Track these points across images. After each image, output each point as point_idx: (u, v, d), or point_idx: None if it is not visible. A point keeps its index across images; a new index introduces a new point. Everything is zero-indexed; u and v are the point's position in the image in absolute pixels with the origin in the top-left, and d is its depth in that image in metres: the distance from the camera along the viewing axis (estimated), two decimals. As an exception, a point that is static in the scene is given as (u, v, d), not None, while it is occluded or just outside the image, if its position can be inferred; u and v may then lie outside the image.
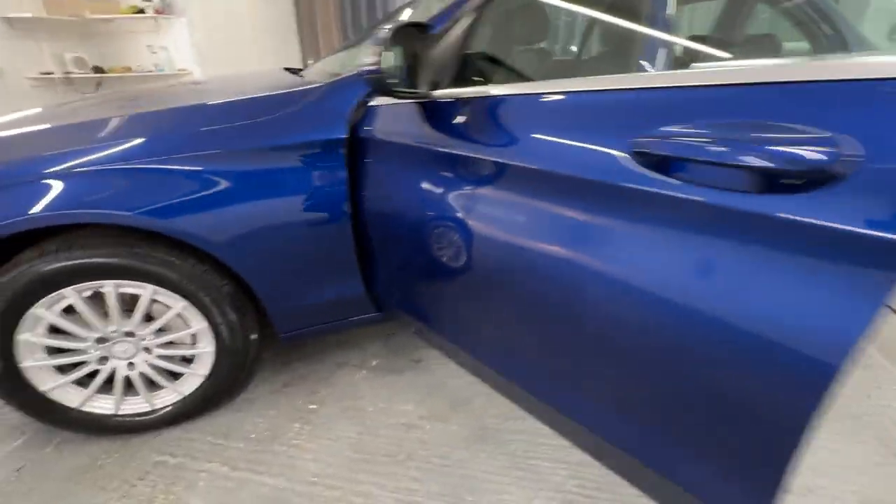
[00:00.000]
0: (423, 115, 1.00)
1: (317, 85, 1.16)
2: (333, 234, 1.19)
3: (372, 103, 1.13)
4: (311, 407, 1.36)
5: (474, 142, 0.89)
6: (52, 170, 0.97)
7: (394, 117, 1.08)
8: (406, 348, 1.62)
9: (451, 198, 0.94)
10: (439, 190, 0.97)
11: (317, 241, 1.18)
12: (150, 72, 4.58)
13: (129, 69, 4.61)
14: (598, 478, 1.10)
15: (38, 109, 1.48)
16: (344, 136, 1.12)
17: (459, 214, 0.93)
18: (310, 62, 5.27)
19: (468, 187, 0.92)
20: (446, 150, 0.93)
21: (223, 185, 1.07)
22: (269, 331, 1.28)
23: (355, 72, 0.99)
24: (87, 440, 1.23)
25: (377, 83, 0.94)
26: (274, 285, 1.20)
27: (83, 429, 1.21)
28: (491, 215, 0.89)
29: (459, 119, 0.92)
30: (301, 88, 1.17)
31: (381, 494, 1.09)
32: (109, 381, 1.18)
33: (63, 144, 1.02)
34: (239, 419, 1.31)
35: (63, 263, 1.00)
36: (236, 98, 1.17)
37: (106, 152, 1.01)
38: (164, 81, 4.66)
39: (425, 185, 1.00)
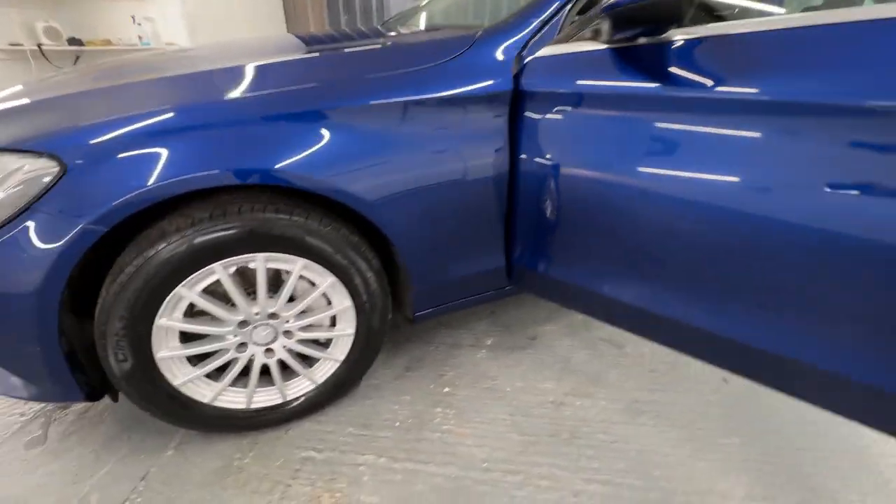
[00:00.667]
0: (656, 59, 0.86)
1: (474, 33, 1.04)
2: (490, 198, 1.09)
3: (539, 54, 1.02)
4: (445, 390, 1.26)
5: (730, 83, 0.79)
6: (221, 118, 0.82)
7: (591, 66, 0.95)
8: (516, 325, 1.54)
9: (675, 149, 0.85)
10: (658, 143, 0.88)
11: (471, 207, 1.08)
12: (134, 45, 4.18)
13: (108, 42, 4.18)
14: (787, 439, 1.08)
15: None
16: (510, 89, 1.01)
17: (685, 168, 0.84)
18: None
19: (704, 136, 0.83)
20: (695, 96, 0.82)
21: (385, 141, 0.94)
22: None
23: (605, 3, 0.85)
24: (207, 440, 1.08)
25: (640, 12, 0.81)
26: (424, 256, 1.09)
27: (214, 426, 1.06)
28: (731, 164, 0.80)
29: (709, 60, 0.82)
30: (460, 35, 1.04)
31: (564, 476, 1.01)
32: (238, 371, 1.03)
33: (229, 92, 0.86)
34: (372, 407, 1.19)
35: (218, 234, 0.85)
36: (389, 45, 1.04)
37: (272, 103, 0.86)
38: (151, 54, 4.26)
39: (637, 139, 0.90)
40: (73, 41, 3.98)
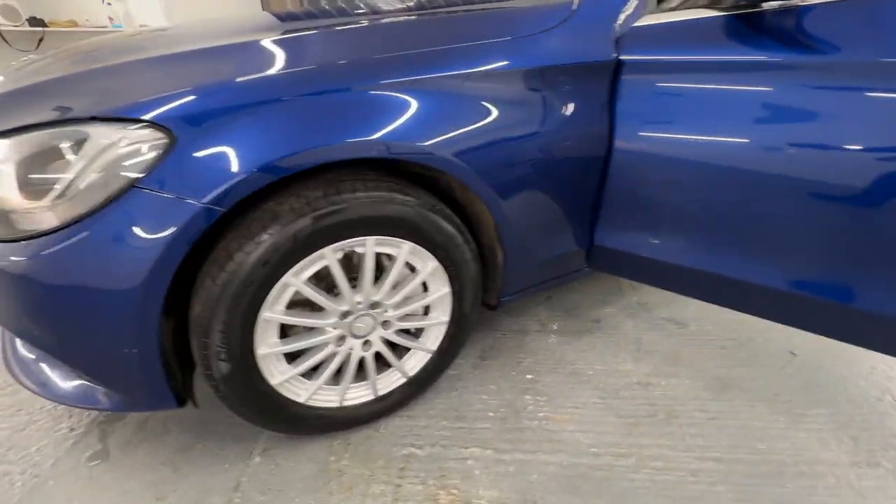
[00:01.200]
0: (786, 24, 0.83)
1: (567, 4, 0.99)
2: (587, 173, 1.04)
3: (641, 22, 0.98)
4: (528, 377, 1.21)
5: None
6: (340, 85, 0.73)
7: (707, 33, 0.91)
8: (577, 309, 1.51)
9: (796, 120, 0.84)
10: (777, 113, 0.86)
11: (568, 184, 1.03)
12: (104, 27, 3.85)
13: (74, 23, 3.83)
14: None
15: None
16: (613, 59, 0.97)
17: (804, 142, 0.83)
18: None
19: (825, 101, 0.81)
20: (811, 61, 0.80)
21: (493, 111, 0.88)
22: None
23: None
24: (293, 444, 1.00)
25: None
26: (521, 238, 1.03)
27: (306, 428, 0.97)
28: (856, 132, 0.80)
29: (845, 23, 0.80)
30: (556, 3, 0.98)
31: (676, 455, 1.00)
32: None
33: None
34: (459, 399, 1.14)
35: (333, 215, 0.76)
36: (484, 12, 0.97)
37: (391, 69, 0.79)
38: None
39: (751, 110, 0.87)
40: (34, 21, 3.62)
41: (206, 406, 0.97)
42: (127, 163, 0.64)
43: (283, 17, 1.20)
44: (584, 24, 0.96)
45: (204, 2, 4.53)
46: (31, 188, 0.65)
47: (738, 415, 1.11)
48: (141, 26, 3.95)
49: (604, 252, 1.16)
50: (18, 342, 0.88)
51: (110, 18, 3.82)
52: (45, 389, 0.83)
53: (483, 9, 1.03)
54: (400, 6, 1.24)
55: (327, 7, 1.37)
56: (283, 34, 0.87)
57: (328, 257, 0.80)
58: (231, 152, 0.66)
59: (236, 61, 0.78)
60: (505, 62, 0.88)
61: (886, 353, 0.87)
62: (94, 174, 0.64)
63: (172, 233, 0.65)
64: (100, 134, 0.64)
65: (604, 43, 0.96)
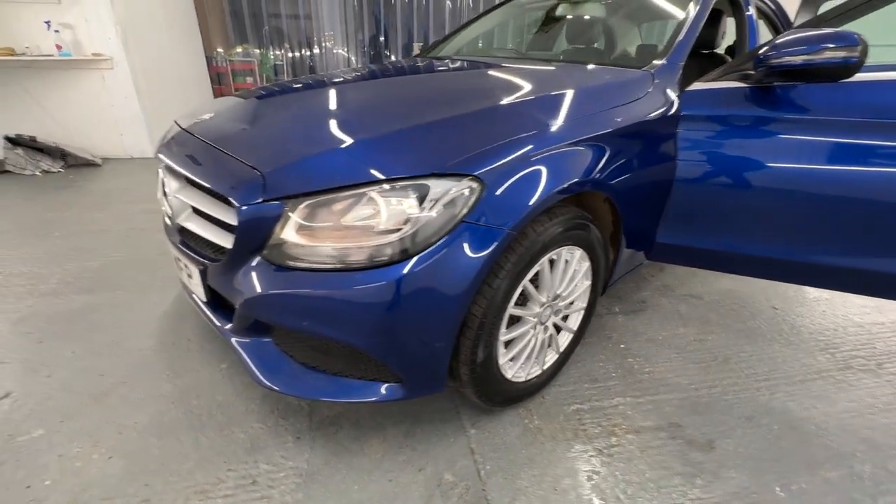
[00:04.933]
0: (790, 95, 1.33)
1: (649, 71, 1.42)
2: (662, 193, 1.47)
3: (692, 87, 1.44)
4: (621, 347, 1.60)
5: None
6: (570, 140, 1.07)
7: (737, 97, 1.39)
8: (624, 295, 1.95)
9: (795, 152, 1.34)
10: (785, 147, 1.35)
11: (654, 201, 1.45)
12: (49, 55, 3.55)
13: (10, 51, 3.48)
14: None
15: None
16: (678, 113, 1.41)
17: (798, 162, 1.34)
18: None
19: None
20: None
21: (625, 152, 1.26)
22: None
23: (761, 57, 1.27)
24: (489, 416, 1.26)
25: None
26: (629, 241, 1.42)
27: (508, 401, 1.24)
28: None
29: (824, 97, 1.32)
30: (641, 74, 1.40)
31: (743, 381, 1.45)
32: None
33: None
34: (583, 367, 1.48)
35: (559, 229, 1.08)
36: (599, 83, 1.35)
37: (583, 127, 1.14)
38: (75, 68, 3.63)
39: (766, 145, 1.36)
40: (-38, 50, 3.22)
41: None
42: (458, 206, 0.90)
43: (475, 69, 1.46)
44: (663, 89, 1.40)
45: (157, 30, 4.35)
46: (389, 227, 0.88)
47: (766, 350, 1.61)
48: (94, 54, 3.70)
49: (665, 247, 1.60)
50: (287, 358, 1.04)
51: (58, 46, 3.53)
52: (322, 393, 1.02)
53: (598, 83, 1.40)
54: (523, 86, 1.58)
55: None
56: (517, 98, 1.19)
57: (544, 262, 1.11)
58: (520, 191, 0.96)
59: (506, 122, 1.08)
60: (629, 119, 1.27)
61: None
62: (436, 214, 0.89)
63: (489, 251, 0.92)
64: (437, 185, 0.89)
65: (673, 102, 1.41)
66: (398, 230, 0.88)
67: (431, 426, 1.22)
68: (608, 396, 1.36)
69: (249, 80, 6.42)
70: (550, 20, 2.25)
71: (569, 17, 2.15)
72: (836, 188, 1.27)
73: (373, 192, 0.88)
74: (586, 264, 1.28)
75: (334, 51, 6.48)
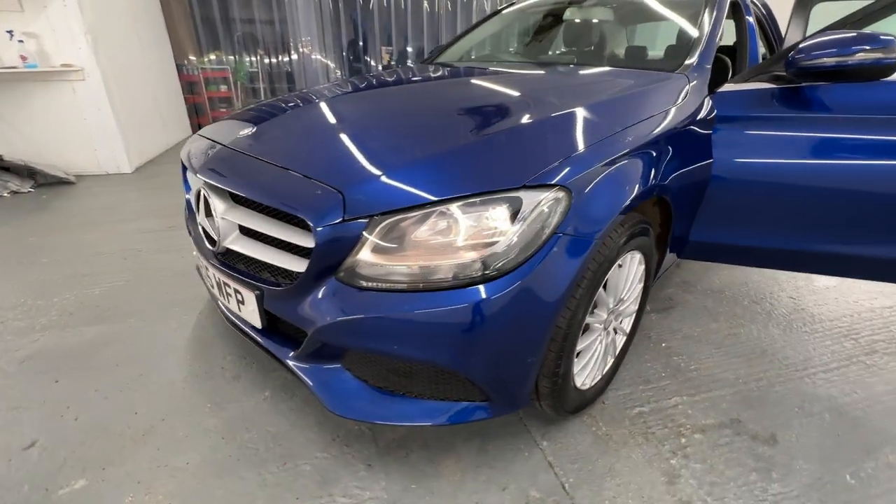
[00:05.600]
0: (817, 95, 1.39)
1: (685, 78, 1.44)
2: (700, 192, 1.50)
3: (723, 89, 1.48)
4: (663, 345, 1.62)
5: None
6: (636, 149, 1.07)
7: (768, 97, 1.43)
8: (651, 293, 1.97)
9: (824, 149, 1.40)
10: (815, 145, 1.41)
11: (695, 201, 1.47)
12: (13, 67, 3.29)
13: (-33, 63, 3.20)
14: None
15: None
16: (714, 114, 1.44)
17: (827, 158, 1.40)
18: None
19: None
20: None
21: (671, 154, 1.27)
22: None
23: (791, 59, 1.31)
24: (556, 426, 1.24)
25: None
26: (675, 243, 1.44)
27: (573, 410, 1.22)
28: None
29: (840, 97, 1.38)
30: (676, 80, 1.42)
31: (785, 372, 1.49)
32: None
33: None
34: (633, 370, 1.49)
35: (630, 237, 1.08)
36: (634, 91, 1.36)
37: (636, 137, 1.15)
38: (42, 80, 3.37)
39: (796, 143, 1.41)
40: (-85, 62, 2.94)
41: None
42: (549, 217, 0.88)
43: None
44: (698, 90, 1.43)
45: (127, 39, 4.12)
46: (480, 242, 0.84)
47: (795, 339, 1.67)
48: (63, 65, 3.46)
49: (700, 245, 1.63)
50: (365, 385, 0.99)
51: (23, 57, 3.28)
52: (409, 417, 0.97)
53: (648, 86, 1.41)
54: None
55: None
56: (582, 104, 1.18)
57: (613, 269, 1.11)
58: (604, 198, 0.95)
59: (579, 129, 1.06)
60: (678, 121, 1.29)
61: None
62: (528, 227, 0.87)
63: (580, 261, 0.91)
64: (528, 197, 0.87)
65: (706, 104, 1.44)
66: (491, 244, 0.85)
67: (503, 441, 1.19)
68: (665, 397, 1.37)
69: (224, 88, 6.19)
70: (569, 24, 2.25)
71: (593, 20, 2.18)
72: (867, 183, 1.32)
73: (461, 207, 0.85)
74: (642, 267, 1.28)
75: (312, 56, 6.34)
